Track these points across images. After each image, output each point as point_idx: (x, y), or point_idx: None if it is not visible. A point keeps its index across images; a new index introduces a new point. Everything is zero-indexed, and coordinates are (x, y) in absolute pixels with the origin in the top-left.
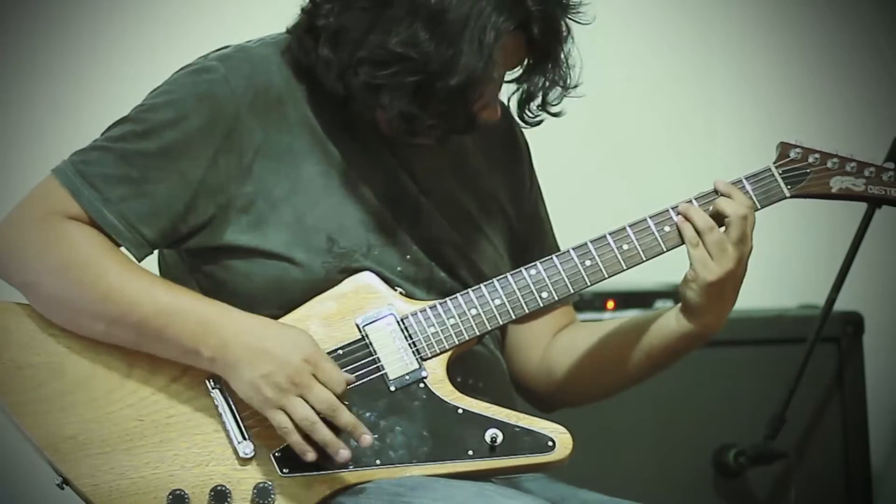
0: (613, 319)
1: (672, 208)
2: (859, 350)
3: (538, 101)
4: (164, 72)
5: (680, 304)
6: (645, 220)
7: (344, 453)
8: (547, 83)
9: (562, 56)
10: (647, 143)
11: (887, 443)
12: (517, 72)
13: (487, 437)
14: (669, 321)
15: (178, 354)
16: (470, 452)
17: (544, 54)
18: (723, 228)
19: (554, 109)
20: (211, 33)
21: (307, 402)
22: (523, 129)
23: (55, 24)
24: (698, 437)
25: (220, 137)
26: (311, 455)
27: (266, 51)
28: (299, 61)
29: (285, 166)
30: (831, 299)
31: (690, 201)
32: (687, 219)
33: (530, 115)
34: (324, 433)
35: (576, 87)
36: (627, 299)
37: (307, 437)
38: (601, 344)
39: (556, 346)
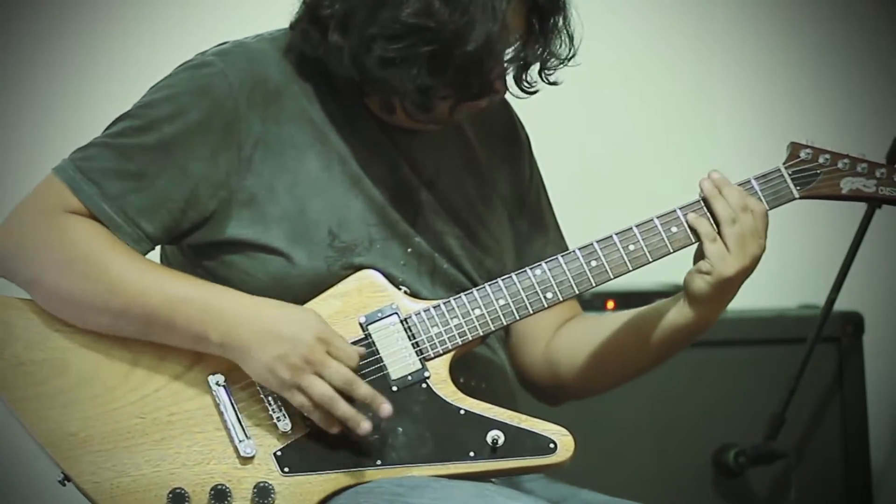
0: (616, 313)
1: (680, 209)
2: (859, 350)
3: (537, 68)
4: (165, 71)
5: (683, 296)
6: (652, 220)
7: (365, 425)
8: (548, 50)
9: (562, 23)
10: (646, 143)
11: (887, 443)
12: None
13: (489, 439)
14: (669, 313)
15: (188, 341)
16: (471, 453)
17: (547, 20)
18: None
19: (552, 77)
20: (211, 33)
21: (323, 380)
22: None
23: (55, 24)
24: (698, 437)
25: (219, 131)
26: (335, 429)
27: (263, 46)
28: (305, 54)
29: (286, 159)
30: (831, 299)
31: (674, 210)
32: (709, 209)
33: (527, 84)
34: (343, 408)
35: (574, 56)
36: (628, 299)
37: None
38: (602, 337)
39: (559, 339)
